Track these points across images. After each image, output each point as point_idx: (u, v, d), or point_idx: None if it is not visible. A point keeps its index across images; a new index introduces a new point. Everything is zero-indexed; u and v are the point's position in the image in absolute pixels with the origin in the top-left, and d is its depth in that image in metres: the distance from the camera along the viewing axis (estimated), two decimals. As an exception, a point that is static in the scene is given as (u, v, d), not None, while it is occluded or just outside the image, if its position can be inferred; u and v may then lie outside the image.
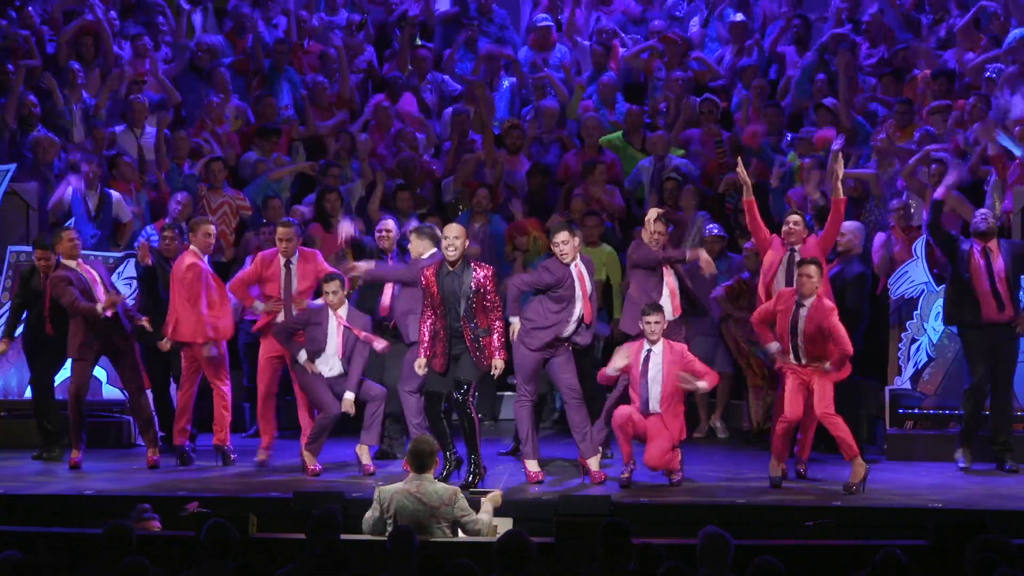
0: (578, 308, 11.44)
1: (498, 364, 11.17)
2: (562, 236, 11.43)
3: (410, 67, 16.61)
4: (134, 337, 12.33)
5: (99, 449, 12.82)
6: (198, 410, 12.67)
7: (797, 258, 11.75)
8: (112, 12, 16.48)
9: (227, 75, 16.13)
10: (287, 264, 12.28)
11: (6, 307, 13.12)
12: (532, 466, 11.46)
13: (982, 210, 12.64)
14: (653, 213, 12.06)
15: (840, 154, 12.62)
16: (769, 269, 12.11)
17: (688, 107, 15.71)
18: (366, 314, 12.20)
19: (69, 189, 14.05)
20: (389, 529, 8.96)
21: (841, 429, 11.14)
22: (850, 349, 11.23)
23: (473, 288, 11.10)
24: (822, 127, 14.96)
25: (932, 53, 15.94)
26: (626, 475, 11.30)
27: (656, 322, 11.30)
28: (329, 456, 12.20)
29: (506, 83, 16.72)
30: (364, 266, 12.21)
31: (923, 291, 12.92)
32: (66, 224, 13.29)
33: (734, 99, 16.23)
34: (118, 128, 15.29)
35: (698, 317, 12.64)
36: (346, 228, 12.88)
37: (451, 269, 11.14)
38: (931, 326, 12.90)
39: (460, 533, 9.34)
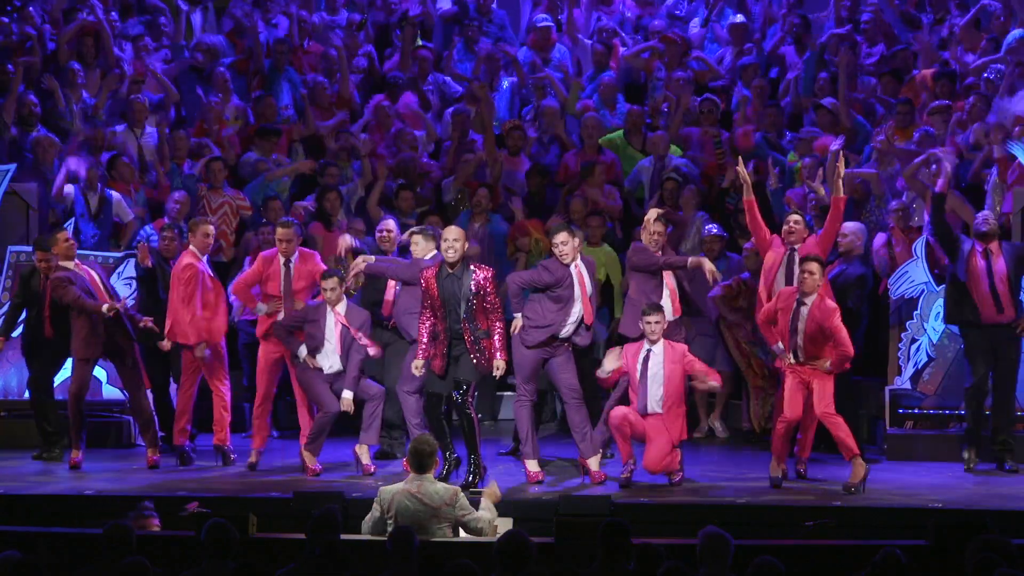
0: (577, 308, 11.44)
1: (500, 365, 11.18)
2: (561, 237, 11.43)
3: (412, 66, 16.61)
4: (134, 337, 12.33)
5: (99, 449, 12.82)
6: (198, 410, 12.67)
7: (797, 258, 11.76)
8: (113, 13, 16.49)
9: (227, 75, 16.14)
10: (286, 264, 12.30)
11: (6, 307, 13.12)
12: (532, 466, 11.46)
13: (984, 212, 12.65)
14: (652, 214, 12.07)
15: (841, 154, 12.61)
16: (771, 269, 12.11)
17: (686, 103, 15.70)
18: (372, 310, 12.22)
19: (70, 189, 14.06)
20: (390, 529, 8.96)
21: (841, 429, 11.14)
22: (851, 351, 11.23)
23: (473, 290, 11.10)
24: (822, 127, 14.96)
25: (933, 47, 15.89)
26: (626, 475, 11.30)
27: (656, 322, 11.30)
28: (329, 456, 12.20)
29: (506, 83, 16.73)
30: (365, 259, 12.19)
31: (923, 291, 12.92)
32: (63, 225, 13.30)
33: (734, 99, 16.22)
34: (118, 128, 15.30)
35: (693, 317, 12.65)
36: (346, 241, 12.84)
37: (451, 271, 11.14)
38: (931, 326, 12.90)
39: (461, 532, 9.35)
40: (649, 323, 11.31)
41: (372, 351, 11.88)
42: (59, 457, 12.49)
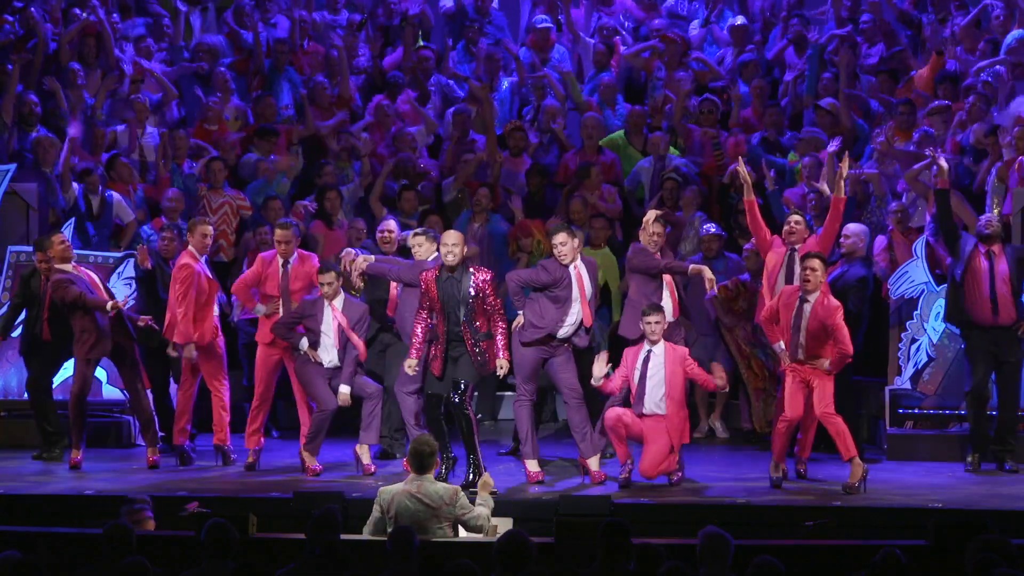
0: (576, 309, 11.44)
1: (503, 364, 11.18)
2: (560, 237, 11.43)
3: (412, 65, 16.61)
4: (135, 338, 12.34)
5: (99, 449, 12.82)
6: (198, 410, 12.67)
7: (798, 258, 11.75)
8: (115, 15, 16.49)
9: (228, 75, 16.13)
10: (284, 264, 12.31)
11: (5, 307, 13.12)
12: (532, 466, 11.46)
13: (987, 215, 12.67)
14: (651, 215, 12.07)
15: (847, 154, 12.60)
16: (773, 270, 12.12)
17: (685, 100, 15.71)
18: (376, 308, 12.22)
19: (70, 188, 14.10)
20: (390, 529, 8.96)
21: (841, 429, 11.13)
22: (850, 350, 11.23)
23: (472, 293, 11.10)
24: (822, 127, 14.96)
25: (938, 39, 15.86)
26: (625, 475, 11.29)
27: (656, 322, 11.30)
28: (329, 456, 12.20)
29: (505, 83, 16.72)
30: (366, 259, 12.19)
31: (923, 291, 12.92)
32: (63, 227, 13.31)
33: (741, 89, 16.18)
34: (119, 128, 15.30)
35: (693, 318, 12.66)
36: (349, 254, 12.81)
37: (450, 274, 11.14)
38: (931, 326, 12.90)
39: (461, 531, 9.35)
40: (649, 323, 11.30)
41: (358, 351, 11.84)
42: (59, 457, 12.49)
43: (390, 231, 12.85)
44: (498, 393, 14.55)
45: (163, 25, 16.82)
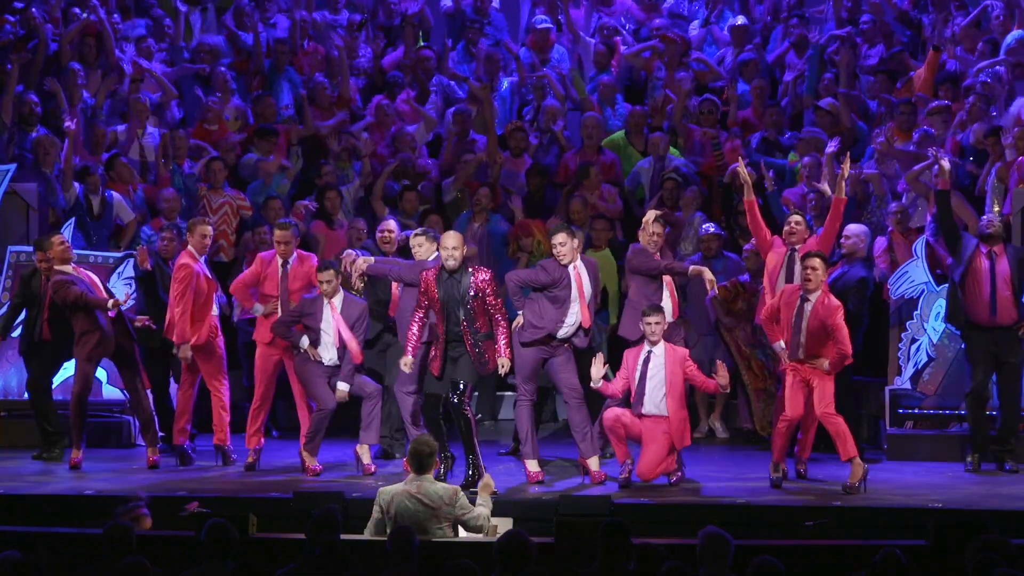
0: (575, 310, 11.44)
1: (504, 363, 11.18)
2: (560, 238, 11.43)
3: (411, 63, 16.61)
4: (135, 338, 12.34)
5: (99, 449, 12.83)
6: (198, 410, 12.67)
7: (798, 258, 11.75)
8: (116, 15, 16.50)
9: (228, 75, 16.13)
10: (284, 265, 12.31)
11: (5, 307, 13.12)
12: (532, 466, 11.46)
13: (988, 215, 12.67)
14: (651, 215, 12.07)
15: (848, 155, 12.60)
16: (774, 271, 12.12)
17: (685, 99, 15.72)
18: (378, 308, 12.21)
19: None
20: (390, 530, 8.96)
21: (841, 430, 11.13)
22: (849, 350, 11.22)
23: (472, 292, 11.10)
24: (822, 127, 14.96)
25: (939, 38, 15.86)
26: (624, 475, 11.28)
27: (656, 323, 11.29)
28: (329, 456, 12.20)
29: (505, 83, 16.73)
30: (366, 260, 12.20)
31: (923, 291, 12.92)
32: (62, 227, 13.31)
33: (741, 88, 16.19)
34: (119, 128, 15.30)
35: (693, 319, 12.67)
36: (349, 256, 12.81)
37: (450, 275, 11.14)
38: (931, 326, 12.90)
39: (461, 531, 9.35)
40: (649, 324, 11.30)
41: (354, 355, 11.83)
42: (59, 457, 12.49)
43: (390, 231, 12.85)
44: (498, 393, 14.55)
45: (164, 26, 16.83)
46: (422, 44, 17.02)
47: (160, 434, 12.58)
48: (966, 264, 12.11)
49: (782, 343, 11.36)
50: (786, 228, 12.23)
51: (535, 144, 15.73)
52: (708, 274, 11.76)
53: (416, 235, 12.00)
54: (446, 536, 9.21)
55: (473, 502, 9.49)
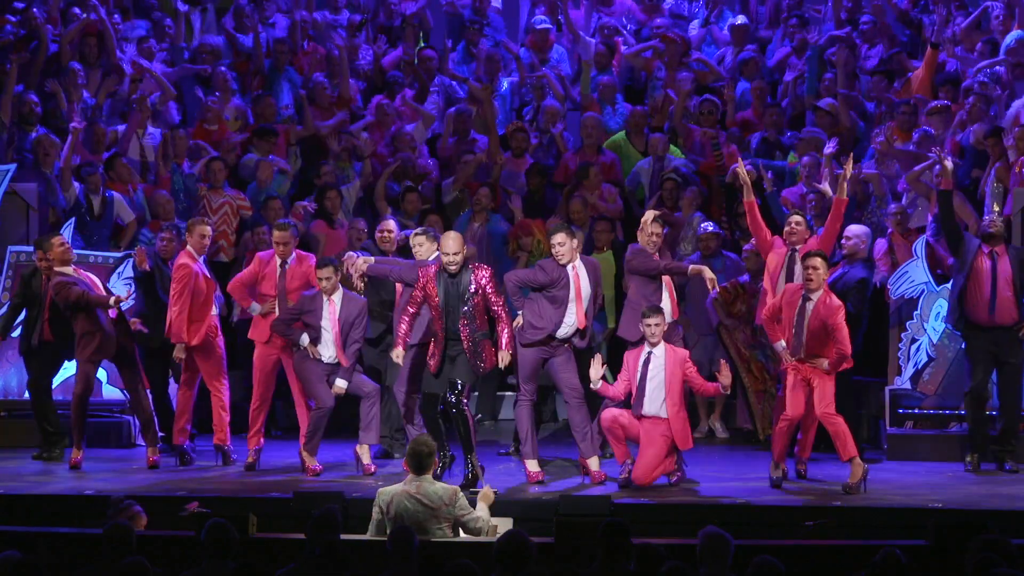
0: (574, 310, 11.43)
1: (505, 357, 11.17)
2: (559, 238, 11.43)
3: (409, 60, 16.63)
4: (134, 338, 12.35)
5: (99, 449, 12.83)
6: (198, 410, 12.67)
7: (798, 258, 11.75)
8: (116, 16, 16.50)
9: (228, 75, 16.13)
10: (282, 265, 12.31)
11: (5, 307, 13.12)
12: (532, 466, 11.46)
13: (990, 215, 12.66)
14: (650, 215, 12.06)
15: (851, 155, 12.60)
16: (775, 271, 12.12)
17: (684, 99, 15.72)
18: (382, 309, 12.20)
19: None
20: (390, 530, 8.96)
21: (841, 430, 11.13)
22: (849, 350, 11.22)
23: (472, 290, 11.10)
24: (822, 127, 14.96)
25: (940, 38, 15.85)
26: (624, 475, 11.28)
27: (656, 324, 11.29)
28: (329, 456, 12.20)
29: (505, 83, 16.73)
30: (366, 261, 12.20)
31: (923, 291, 12.92)
32: (62, 227, 13.31)
33: (737, 92, 16.19)
34: (120, 128, 15.30)
35: (693, 319, 12.67)
36: (350, 258, 12.78)
37: (450, 275, 11.14)
38: (931, 326, 12.90)
39: (460, 532, 9.35)
40: (649, 325, 11.30)
41: (347, 358, 11.83)
42: (59, 457, 12.49)
43: (389, 231, 12.85)
44: (498, 393, 14.55)
45: (165, 26, 16.83)
46: (423, 45, 17.01)
47: (160, 434, 12.58)
48: (967, 264, 12.11)
49: (783, 343, 11.36)
50: (786, 228, 12.23)
51: (535, 144, 15.73)
52: (708, 273, 11.75)
53: (416, 235, 12.00)
54: (446, 536, 9.20)
55: (473, 503, 9.49)
